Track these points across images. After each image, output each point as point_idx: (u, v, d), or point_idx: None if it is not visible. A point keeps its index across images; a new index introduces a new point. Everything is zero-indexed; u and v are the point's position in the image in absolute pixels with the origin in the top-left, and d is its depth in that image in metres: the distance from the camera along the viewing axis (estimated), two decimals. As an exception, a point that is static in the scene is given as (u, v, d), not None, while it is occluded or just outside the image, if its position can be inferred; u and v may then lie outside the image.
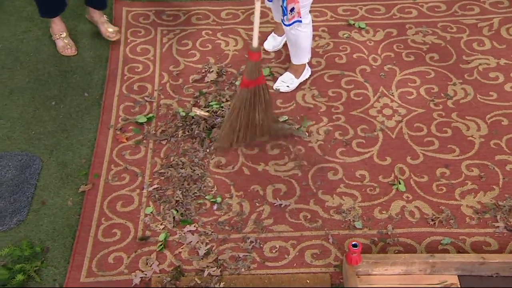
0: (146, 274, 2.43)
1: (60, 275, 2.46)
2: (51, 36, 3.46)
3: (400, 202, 2.66)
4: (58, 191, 2.75)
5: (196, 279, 2.41)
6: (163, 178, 2.77)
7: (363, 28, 3.48)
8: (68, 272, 2.46)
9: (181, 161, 2.82)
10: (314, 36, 3.20)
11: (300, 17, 2.77)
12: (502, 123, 2.96)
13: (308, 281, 2.42)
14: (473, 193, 2.69)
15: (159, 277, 2.42)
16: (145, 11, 3.64)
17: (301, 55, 3.04)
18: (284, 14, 2.77)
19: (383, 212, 2.63)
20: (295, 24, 2.79)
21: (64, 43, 3.36)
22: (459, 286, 2.35)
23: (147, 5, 3.67)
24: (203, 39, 3.45)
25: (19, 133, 2.99)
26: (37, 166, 2.84)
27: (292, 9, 2.72)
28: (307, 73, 3.16)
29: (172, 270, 2.44)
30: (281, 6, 2.75)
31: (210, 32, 3.50)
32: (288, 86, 3.12)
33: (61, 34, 3.35)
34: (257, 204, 2.67)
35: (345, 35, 3.45)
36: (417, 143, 2.88)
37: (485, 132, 2.93)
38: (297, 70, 3.11)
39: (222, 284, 2.39)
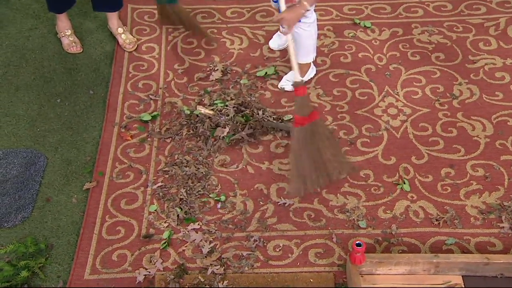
0: (149, 272, 2.43)
1: (64, 272, 2.47)
2: (56, 33, 3.47)
3: (405, 202, 2.66)
4: (62, 188, 2.76)
5: (199, 277, 2.42)
6: (167, 176, 2.77)
7: (369, 27, 3.47)
8: (72, 269, 2.46)
9: (185, 159, 2.82)
10: (319, 35, 3.20)
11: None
12: (508, 123, 2.95)
13: (311, 280, 2.42)
14: (478, 193, 2.68)
15: (162, 274, 2.42)
16: (150, 9, 3.64)
17: (306, 54, 3.03)
18: (280, 11, 2.67)
19: (387, 211, 2.63)
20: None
21: (69, 41, 3.36)
22: (463, 286, 2.35)
23: (152, 3, 3.67)
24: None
25: (24, 130, 3.00)
26: (42, 163, 2.85)
27: None
28: (312, 72, 3.16)
29: (175, 268, 2.45)
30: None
31: (215, 31, 3.50)
32: (288, 84, 3.11)
33: (66, 32, 3.35)
34: (261, 202, 2.67)
35: (351, 34, 3.44)
36: (422, 143, 2.88)
37: (490, 132, 2.91)
38: (301, 69, 3.09)
39: (225, 283, 2.39)
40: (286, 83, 3.12)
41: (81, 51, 3.38)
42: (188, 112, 2.99)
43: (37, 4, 3.68)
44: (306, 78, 3.14)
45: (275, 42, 3.35)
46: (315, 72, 3.18)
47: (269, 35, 3.41)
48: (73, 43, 3.36)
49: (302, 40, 2.92)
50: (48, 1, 3.24)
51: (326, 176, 2.64)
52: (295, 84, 2.59)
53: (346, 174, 2.75)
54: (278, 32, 3.35)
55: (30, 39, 3.48)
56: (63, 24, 3.35)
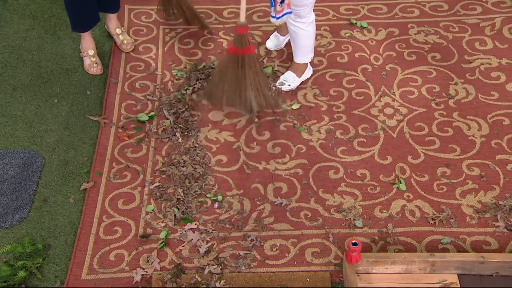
0: (147, 272, 2.44)
1: (62, 272, 2.48)
2: (53, 34, 3.48)
3: (401, 201, 2.67)
4: (60, 189, 2.76)
5: (196, 276, 2.42)
6: (164, 176, 2.78)
7: (365, 27, 3.48)
8: (69, 269, 2.47)
9: (182, 159, 2.83)
10: (316, 35, 3.20)
11: (290, 8, 2.69)
12: (504, 122, 2.96)
13: (308, 280, 2.42)
14: (473, 193, 2.69)
15: (160, 274, 2.43)
16: (147, 10, 3.65)
17: (304, 54, 3.04)
18: (272, 5, 2.68)
19: (384, 211, 2.64)
20: (286, 16, 2.73)
21: (90, 61, 3.27)
22: (459, 285, 2.36)
23: (149, 4, 3.67)
24: (205, 38, 3.46)
25: (22, 131, 3.00)
26: (39, 163, 2.85)
27: (282, 1, 2.65)
28: (309, 72, 3.17)
29: (173, 267, 2.45)
30: None
31: (213, 31, 3.50)
32: (289, 85, 3.12)
33: (89, 52, 3.26)
34: (258, 202, 2.68)
35: (347, 34, 3.45)
36: (418, 143, 2.89)
37: (486, 131, 2.93)
38: (298, 69, 3.11)
39: (222, 282, 2.40)
40: (283, 83, 3.13)
41: (102, 72, 3.29)
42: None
43: (34, 5, 3.68)
44: (303, 78, 3.15)
45: (272, 43, 3.36)
46: (312, 73, 3.19)
47: (266, 36, 3.42)
48: (95, 64, 3.27)
49: (300, 40, 2.93)
50: (71, 19, 3.14)
51: (245, 102, 2.74)
52: (240, 24, 2.59)
53: (271, 109, 2.95)
54: (275, 32, 3.36)
55: (27, 40, 3.48)
56: (87, 43, 3.27)
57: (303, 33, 2.89)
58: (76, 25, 3.17)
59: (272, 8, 2.70)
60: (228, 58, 2.71)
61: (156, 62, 3.32)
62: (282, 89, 3.13)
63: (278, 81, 3.15)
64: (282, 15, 2.72)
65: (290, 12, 2.73)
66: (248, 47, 2.65)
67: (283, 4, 2.66)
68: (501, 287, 2.36)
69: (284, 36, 3.32)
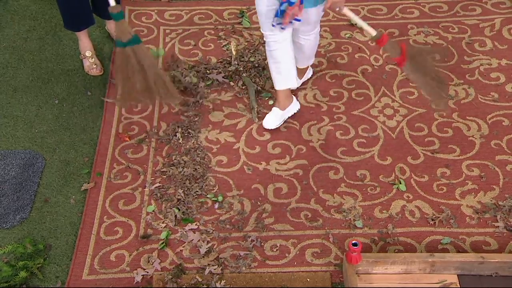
0: (147, 272, 2.45)
1: (63, 272, 2.48)
2: (54, 35, 3.49)
3: (401, 202, 2.68)
4: (60, 189, 2.77)
5: (197, 277, 2.43)
6: (165, 176, 2.79)
7: (365, 28, 3.49)
8: (70, 269, 2.48)
9: (183, 159, 2.84)
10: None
11: (298, 16, 2.54)
12: (503, 123, 2.97)
13: (308, 280, 2.43)
14: (473, 193, 2.70)
15: (160, 275, 2.44)
16: (148, 11, 3.66)
17: (307, 60, 3.04)
18: (278, 15, 2.55)
19: (384, 211, 2.65)
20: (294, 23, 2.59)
21: (89, 63, 3.27)
22: (459, 285, 2.36)
23: (149, 5, 3.68)
24: (206, 39, 3.47)
25: (22, 132, 3.01)
26: (40, 164, 2.86)
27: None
28: (309, 73, 3.17)
29: (173, 268, 2.46)
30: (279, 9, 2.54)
31: (213, 32, 3.51)
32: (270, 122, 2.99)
33: (86, 53, 3.26)
34: (258, 203, 2.69)
35: (347, 35, 3.46)
36: (418, 143, 2.90)
37: (485, 132, 2.93)
38: (301, 72, 3.12)
39: (223, 282, 2.40)
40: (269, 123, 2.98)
41: (102, 73, 3.29)
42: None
43: (35, 6, 3.69)
44: (304, 79, 3.16)
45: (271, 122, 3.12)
46: (312, 73, 3.20)
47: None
48: (94, 65, 3.28)
49: (306, 49, 2.91)
50: (63, 16, 3.15)
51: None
52: (375, 37, 2.58)
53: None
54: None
55: (28, 41, 3.49)
56: (83, 44, 3.27)
57: (310, 43, 2.88)
58: (67, 23, 3.18)
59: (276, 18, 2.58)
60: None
61: (157, 62, 3.33)
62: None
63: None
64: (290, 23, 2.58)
65: (297, 19, 2.56)
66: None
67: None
68: (500, 287, 2.36)
69: (284, 109, 2.99)
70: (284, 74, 2.85)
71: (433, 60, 2.68)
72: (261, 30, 2.75)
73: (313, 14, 2.66)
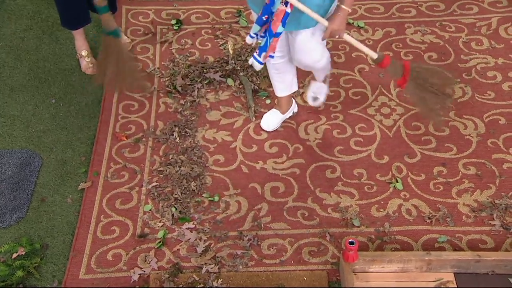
0: (144, 271, 2.45)
1: (59, 272, 2.49)
2: (51, 34, 3.49)
3: (397, 200, 2.68)
4: (57, 189, 2.78)
5: (194, 276, 2.44)
6: (162, 176, 2.79)
7: (362, 27, 3.49)
8: (67, 268, 2.48)
9: (180, 159, 2.84)
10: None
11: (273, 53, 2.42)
12: (500, 122, 2.98)
13: (305, 279, 2.44)
14: (470, 192, 2.70)
15: (157, 274, 2.44)
16: (144, 10, 3.66)
17: (325, 71, 2.87)
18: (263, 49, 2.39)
19: (381, 210, 2.65)
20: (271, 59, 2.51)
21: (86, 62, 3.29)
22: (455, 283, 2.37)
23: (146, 4, 3.68)
24: (203, 38, 3.47)
25: (19, 131, 3.01)
26: (37, 163, 2.86)
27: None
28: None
29: (170, 267, 2.47)
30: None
31: (210, 31, 3.52)
32: (318, 97, 2.96)
33: (82, 53, 3.27)
34: (255, 202, 2.69)
35: (344, 34, 3.46)
36: (415, 142, 2.90)
37: (482, 131, 2.94)
38: (319, 77, 2.94)
39: (220, 281, 2.41)
40: (313, 98, 2.97)
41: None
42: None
43: (32, 6, 3.70)
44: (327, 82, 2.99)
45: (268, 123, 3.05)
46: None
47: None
48: (90, 64, 3.29)
49: (320, 69, 2.79)
50: (60, 15, 3.17)
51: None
52: (378, 60, 2.48)
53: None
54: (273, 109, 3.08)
55: (25, 40, 3.49)
56: (79, 43, 3.28)
57: (322, 65, 2.71)
58: (64, 22, 3.20)
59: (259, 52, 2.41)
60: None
61: (154, 62, 3.33)
62: (315, 104, 2.99)
63: (309, 98, 2.98)
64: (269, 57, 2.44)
65: (272, 57, 2.45)
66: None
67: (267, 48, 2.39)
68: (496, 285, 2.37)
69: (284, 113, 2.99)
70: (287, 83, 2.84)
71: (439, 80, 2.62)
72: None
73: (304, 40, 2.49)
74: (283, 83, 2.84)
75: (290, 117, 3.02)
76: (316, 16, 2.33)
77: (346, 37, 2.44)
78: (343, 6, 2.33)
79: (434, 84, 2.57)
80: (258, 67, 2.43)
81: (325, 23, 2.35)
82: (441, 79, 2.66)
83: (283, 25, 2.30)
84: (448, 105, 2.76)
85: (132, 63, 2.96)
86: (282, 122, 3.00)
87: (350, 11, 2.36)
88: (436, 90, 2.58)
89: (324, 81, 2.94)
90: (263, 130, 2.98)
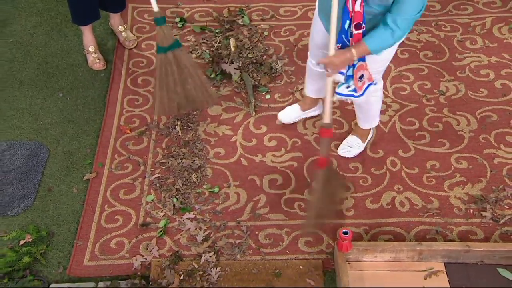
0: (146, 259, 2.53)
1: (65, 258, 2.57)
2: (60, 31, 3.56)
3: (391, 193, 2.75)
4: (64, 179, 2.85)
5: (193, 263, 2.51)
6: (164, 167, 2.86)
7: (361, 26, 3.54)
8: (72, 255, 2.56)
9: (181, 151, 2.92)
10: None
11: (373, 80, 2.40)
12: (492, 118, 3.04)
13: (301, 267, 2.50)
14: (461, 185, 2.77)
15: (158, 261, 2.51)
16: (150, 8, 3.68)
17: (372, 119, 2.82)
18: (346, 81, 2.35)
19: (375, 202, 2.72)
20: (369, 88, 2.43)
21: (93, 58, 3.35)
22: (445, 273, 2.44)
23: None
24: (206, 35, 3.52)
25: (28, 123, 3.09)
26: (44, 154, 2.94)
27: (362, 76, 2.34)
28: (370, 134, 2.96)
29: (171, 255, 2.54)
30: (345, 74, 2.33)
31: (213, 29, 3.56)
32: (354, 152, 2.89)
33: (89, 49, 3.34)
34: (254, 193, 2.76)
35: (343, 33, 3.51)
36: (409, 137, 2.97)
37: (474, 127, 3.00)
38: (364, 135, 2.90)
39: (218, 269, 2.48)
40: (346, 149, 2.90)
41: (105, 68, 3.37)
42: None
43: (41, 3, 3.77)
44: (367, 142, 2.94)
45: (288, 117, 3.07)
46: (372, 135, 2.99)
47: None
48: (97, 60, 3.35)
49: (370, 107, 2.72)
50: (71, 11, 3.24)
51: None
52: (325, 125, 2.33)
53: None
54: (296, 105, 3.08)
55: (34, 36, 3.57)
56: (87, 39, 3.35)
57: (374, 99, 2.66)
58: (75, 17, 3.25)
59: (345, 85, 2.38)
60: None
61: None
62: (345, 155, 2.90)
63: (341, 148, 2.91)
64: (365, 90, 2.40)
65: (374, 83, 2.46)
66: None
67: (363, 79, 2.35)
68: (485, 275, 2.43)
69: (304, 111, 3.03)
70: (317, 87, 2.82)
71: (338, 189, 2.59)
72: (309, 54, 2.70)
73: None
74: (314, 86, 2.84)
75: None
76: (333, 40, 2.21)
77: (334, 78, 2.31)
78: (353, 50, 2.21)
79: (331, 194, 2.50)
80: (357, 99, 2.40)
81: (332, 51, 2.23)
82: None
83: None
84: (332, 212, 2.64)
85: (199, 73, 2.71)
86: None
87: (355, 58, 2.23)
88: (331, 199, 2.52)
89: (366, 135, 2.90)
90: (263, 123, 3.04)
